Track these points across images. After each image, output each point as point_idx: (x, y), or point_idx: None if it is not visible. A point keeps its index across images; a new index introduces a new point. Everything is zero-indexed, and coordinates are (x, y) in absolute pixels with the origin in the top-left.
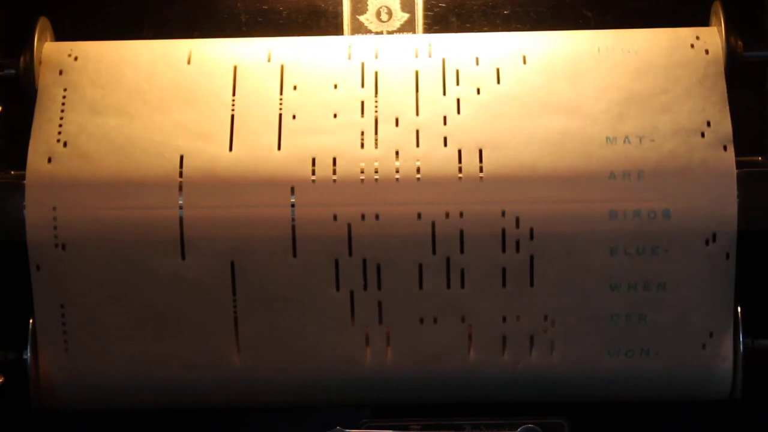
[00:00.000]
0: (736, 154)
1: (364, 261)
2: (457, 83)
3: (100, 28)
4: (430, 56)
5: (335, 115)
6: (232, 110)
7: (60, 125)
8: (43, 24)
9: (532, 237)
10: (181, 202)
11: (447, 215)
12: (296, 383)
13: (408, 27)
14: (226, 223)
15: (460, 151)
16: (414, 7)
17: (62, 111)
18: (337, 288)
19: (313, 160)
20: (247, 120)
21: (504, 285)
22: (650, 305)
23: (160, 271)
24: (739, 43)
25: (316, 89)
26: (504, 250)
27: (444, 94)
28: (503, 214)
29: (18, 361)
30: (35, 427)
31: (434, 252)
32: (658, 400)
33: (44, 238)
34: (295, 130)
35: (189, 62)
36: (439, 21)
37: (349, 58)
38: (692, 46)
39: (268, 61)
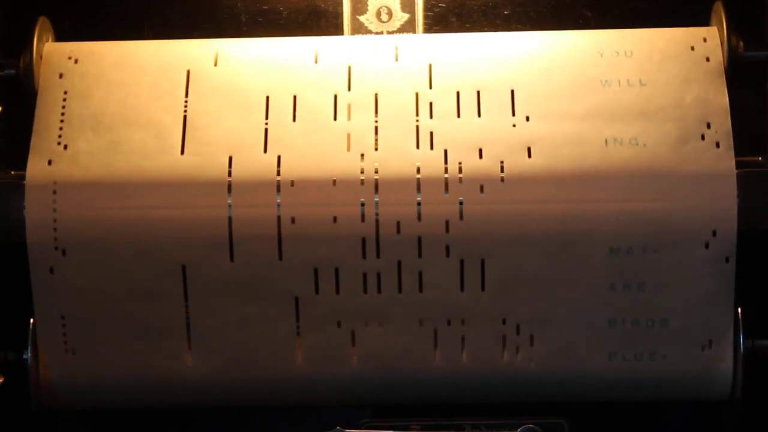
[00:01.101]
0: (736, 154)
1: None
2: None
3: (100, 28)
4: (432, 148)
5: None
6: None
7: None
8: (43, 24)
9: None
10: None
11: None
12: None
13: (408, 27)
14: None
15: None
16: (414, 7)
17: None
18: None
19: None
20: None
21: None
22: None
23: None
24: (740, 43)
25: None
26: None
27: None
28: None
29: (18, 361)
30: (35, 427)
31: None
32: (658, 400)
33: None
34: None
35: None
36: (439, 21)
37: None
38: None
39: None
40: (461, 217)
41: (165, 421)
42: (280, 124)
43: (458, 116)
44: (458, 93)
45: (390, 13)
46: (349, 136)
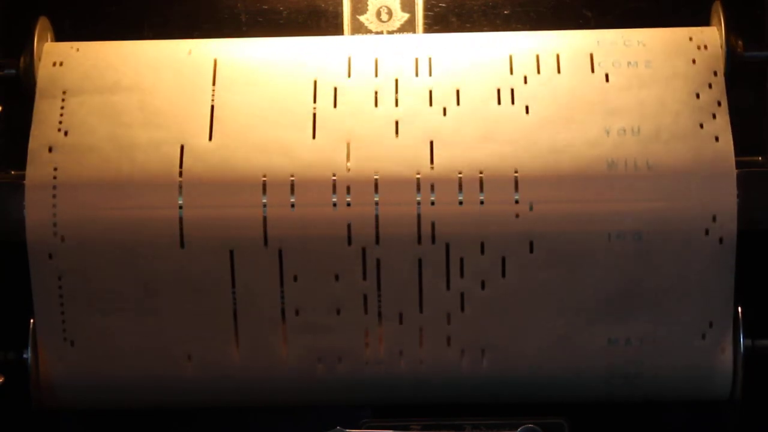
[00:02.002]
0: (736, 154)
1: None
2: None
3: (100, 28)
4: (433, 243)
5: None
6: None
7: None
8: (43, 24)
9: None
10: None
11: None
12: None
13: (408, 27)
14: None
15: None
16: (414, 7)
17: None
18: None
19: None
20: None
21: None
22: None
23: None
24: (739, 43)
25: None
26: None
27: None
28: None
29: (18, 361)
30: (35, 427)
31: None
32: (658, 400)
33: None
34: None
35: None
36: (440, 21)
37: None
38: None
39: None
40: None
41: (165, 421)
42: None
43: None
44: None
45: (390, 13)
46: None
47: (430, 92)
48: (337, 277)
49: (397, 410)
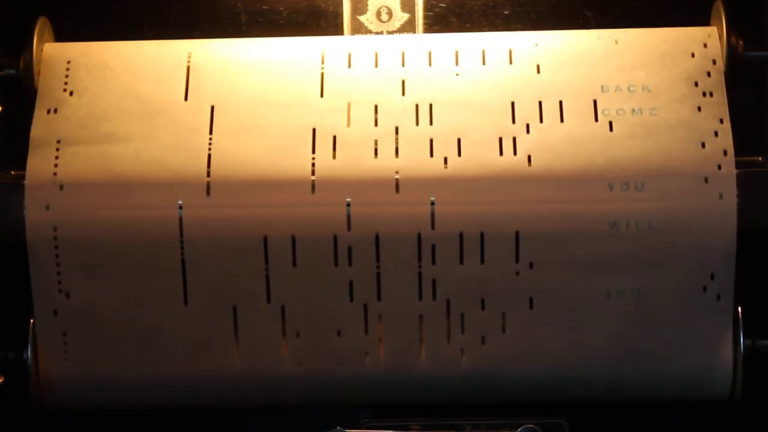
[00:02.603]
0: (736, 154)
1: None
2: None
3: (100, 28)
4: (434, 299)
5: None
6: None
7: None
8: (43, 24)
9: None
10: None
11: None
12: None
13: (408, 27)
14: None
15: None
16: (414, 7)
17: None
18: None
19: None
20: None
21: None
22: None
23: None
24: (740, 43)
25: None
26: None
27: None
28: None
29: (18, 361)
30: (35, 427)
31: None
32: (658, 400)
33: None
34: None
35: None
36: (440, 21)
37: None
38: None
39: None
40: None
41: (165, 421)
42: None
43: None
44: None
45: (390, 13)
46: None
47: (431, 141)
48: (339, 333)
49: (397, 410)
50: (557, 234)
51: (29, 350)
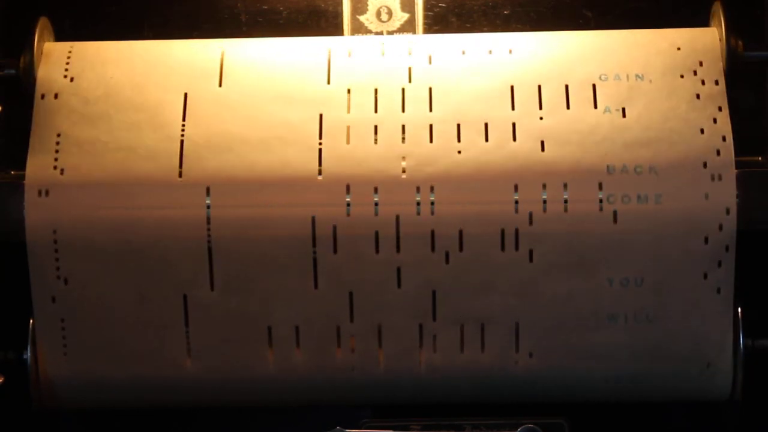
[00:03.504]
0: (736, 154)
1: None
2: None
3: (100, 28)
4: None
5: None
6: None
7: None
8: (43, 24)
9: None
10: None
11: None
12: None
13: (408, 27)
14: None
15: None
16: (414, 7)
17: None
18: None
19: None
20: None
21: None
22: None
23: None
24: (739, 43)
25: None
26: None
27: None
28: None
29: (18, 361)
30: (35, 427)
31: None
32: (658, 400)
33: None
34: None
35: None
36: (439, 21)
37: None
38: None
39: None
40: None
41: (165, 421)
42: None
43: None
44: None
45: (390, 13)
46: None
47: (432, 233)
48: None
49: (397, 410)
50: (557, 325)
51: (29, 350)
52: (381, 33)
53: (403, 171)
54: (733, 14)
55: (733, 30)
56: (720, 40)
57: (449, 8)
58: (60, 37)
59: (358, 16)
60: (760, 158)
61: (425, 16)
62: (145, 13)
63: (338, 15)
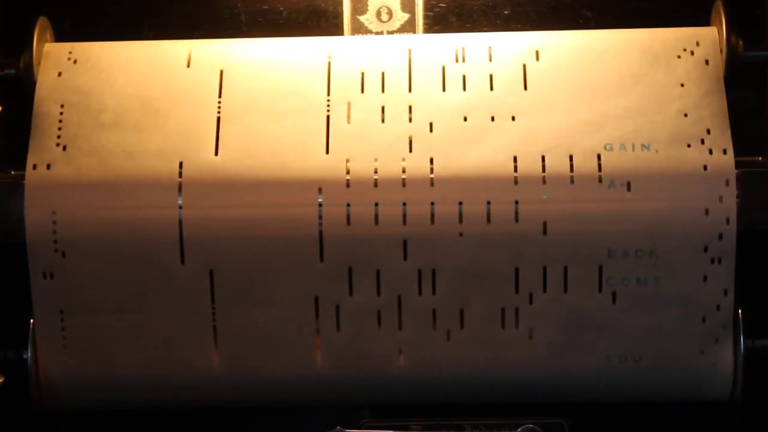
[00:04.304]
0: (736, 154)
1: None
2: None
3: (100, 28)
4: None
5: None
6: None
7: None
8: (43, 24)
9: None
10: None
11: None
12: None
13: (408, 27)
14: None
15: None
16: (414, 7)
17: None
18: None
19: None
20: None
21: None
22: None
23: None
24: (740, 43)
25: None
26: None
27: None
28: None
29: (18, 361)
30: (35, 427)
31: None
32: (658, 401)
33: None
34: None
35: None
36: (439, 21)
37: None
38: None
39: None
40: None
41: (165, 421)
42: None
43: None
44: None
45: (390, 13)
46: None
47: (434, 312)
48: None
49: (397, 410)
50: (558, 402)
51: (29, 350)
52: (381, 33)
53: (405, 257)
54: (733, 14)
55: (733, 30)
56: (720, 39)
57: (449, 8)
58: (60, 37)
59: (358, 16)
60: (760, 158)
61: (425, 16)
62: (145, 13)
63: (338, 15)
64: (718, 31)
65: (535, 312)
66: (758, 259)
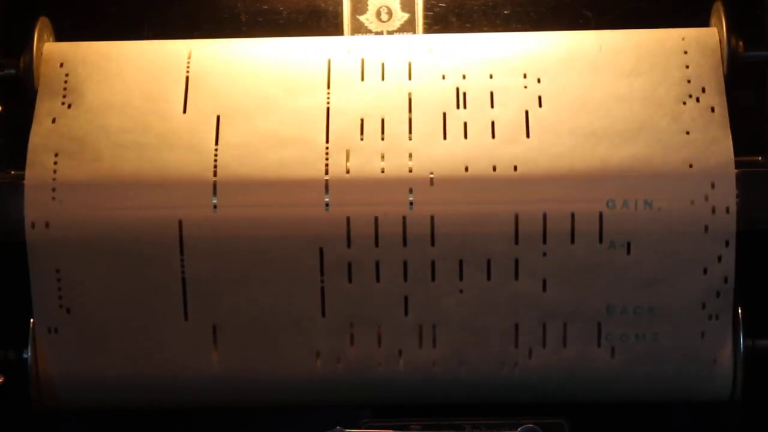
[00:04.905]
0: (736, 154)
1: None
2: None
3: (100, 28)
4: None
5: None
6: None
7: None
8: (43, 24)
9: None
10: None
11: None
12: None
13: (408, 27)
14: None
15: None
16: (414, 7)
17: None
18: None
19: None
20: None
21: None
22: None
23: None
24: (740, 43)
25: None
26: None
27: None
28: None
29: (18, 361)
30: (35, 427)
31: None
32: (658, 401)
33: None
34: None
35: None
36: (439, 21)
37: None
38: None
39: None
40: None
41: (165, 421)
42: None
43: None
44: None
45: (390, 13)
46: None
47: (433, 363)
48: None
49: (397, 410)
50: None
51: (29, 350)
52: (381, 33)
53: (405, 312)
54: (733, 14)
55: (733, 30)
56: (720, 39)
57: (449, 8)
58: (60, 37)
59: (358, 16)
60: (760, 158)
61: (425, 16)
62: (145, 13)
63: (338, 15)
64: (718, 31)
65: (534, 366)
66: (758, 259)
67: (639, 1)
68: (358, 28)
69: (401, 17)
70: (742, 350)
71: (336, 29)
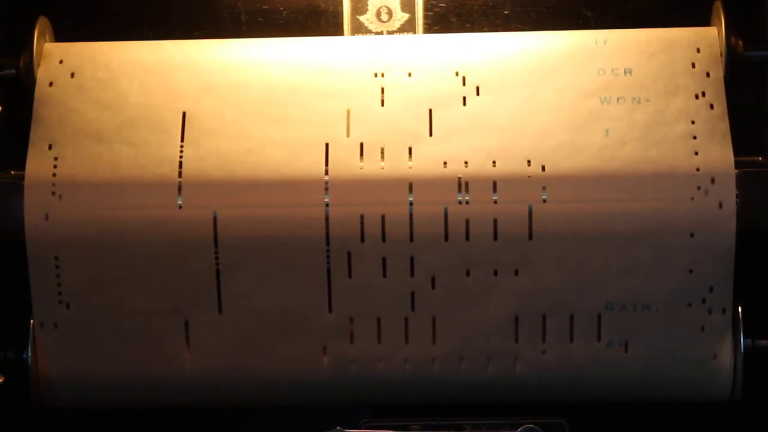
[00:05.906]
0: (736, 154)
1: None
2: None
3: (100, 28)
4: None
5: None
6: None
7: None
8: (43, 24)
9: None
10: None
11: None
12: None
13: (408, 27)
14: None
15: None
16: (414, 7)
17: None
18: None
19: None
20: None
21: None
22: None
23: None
24: (740, 43)
25: None
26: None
27: None
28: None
29: (18, 360)
30: (35, 427)
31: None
32: (658, 401)
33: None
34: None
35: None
36: (439, 21)
37: None
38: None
39: None
40: None
41: (165, 421)
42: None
43: None
44: None
45: (390, 13)
46: None
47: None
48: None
49: (397, 410)
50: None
51: (29, 350)
52: (381, 33)
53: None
54: (733, 14)
55: (733, 30)
56: (720, 39)
57: (449, 8)
58: (60, 37)
59: (358, 16)
60: (760, 158)
61: (425, 16)
62: (145, 13)
63: (338, 15)
64: (718, 31)
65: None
66: (758, 259)
67: (639, 1)
68: (358, 28)
69: (401, 17)
70: (742, 350)
71: (336, 29)
